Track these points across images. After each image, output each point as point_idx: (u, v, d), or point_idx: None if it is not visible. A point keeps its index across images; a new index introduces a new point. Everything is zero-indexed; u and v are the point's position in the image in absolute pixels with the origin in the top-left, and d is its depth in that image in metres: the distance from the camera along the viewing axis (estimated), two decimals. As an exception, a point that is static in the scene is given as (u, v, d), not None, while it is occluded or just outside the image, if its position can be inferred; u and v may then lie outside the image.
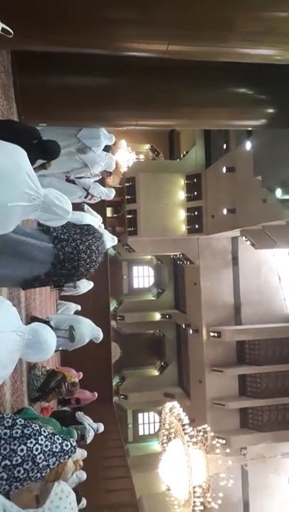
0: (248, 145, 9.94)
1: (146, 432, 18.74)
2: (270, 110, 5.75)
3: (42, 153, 3.07)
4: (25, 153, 1.98)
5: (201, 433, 6.52)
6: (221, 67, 5.07)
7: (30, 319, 5.41)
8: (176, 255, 14.98)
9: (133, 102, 5.44)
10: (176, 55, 4.05)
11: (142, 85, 5.33)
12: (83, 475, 5.94)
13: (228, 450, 6.85)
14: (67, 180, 6.69)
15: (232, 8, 3.59)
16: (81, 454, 5.47)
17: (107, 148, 6.84)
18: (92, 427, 6.52)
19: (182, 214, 13.96)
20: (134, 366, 18.28)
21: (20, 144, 2.39)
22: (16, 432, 2.64)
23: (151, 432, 18.47)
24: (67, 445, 2.66)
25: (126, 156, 14.29)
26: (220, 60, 4.63)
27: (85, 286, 8.81)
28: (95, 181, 7.26)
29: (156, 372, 18.53)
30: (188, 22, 3.63)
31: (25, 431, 2.69)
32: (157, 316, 17.27)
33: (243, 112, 5.81)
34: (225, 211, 11.69)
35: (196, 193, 13.73)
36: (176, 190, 14.12)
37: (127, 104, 5.43)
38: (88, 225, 3.48)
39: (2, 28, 2.61)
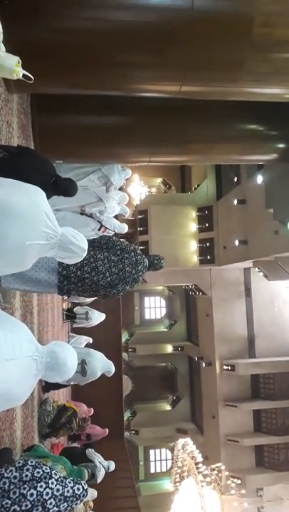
0: (260, 178, 10.06)
1: (158, 470, 18.05)
2: (281, 145, 5.86)
3: (58, 190, 3.15)
4: (44, 194, 2.05)
5: (215, 472, 6.27)
6: (231, 105, 5.23)
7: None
8: (188, 286, 14.91)
9: (146, 139, 5.61)
10: (188, 95, 4.20)
11: (155, 123, 5.50)
12: (93, 517, 5.71)
13: (243, 491, 6.55)
14: (82, 213, 6.81)
15: (242, 50, 3.74)
16: (91, 494, 5.28)
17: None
18: (103, 465, 6.32)
19: (194, 245, 14.00)
20: (146, 400, 17.86)
21: (39, 180, 2.47)
22: (26, 475, 2.57)
23: (164, 469, 17.79)
24: (78, 489, 2.57)
25: (138, 190, 14.55)
26: (231, 99, 4.78)
27: (97, 318, 8.79)
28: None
29: (168, 407, 18.05)
30: (201, 63, 3.78)
31: (36, 473, 2.62)
32: (169, 349, 17.00)
33: (254, 148, 5.93)
34: (237, 242, 11.70)
35: (207, 225, 13.81)
36: (187, 222, 14.24)
37: (140, 141, 5.60)
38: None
39: (23, 74, 2.75)
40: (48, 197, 2.16)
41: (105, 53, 3.45)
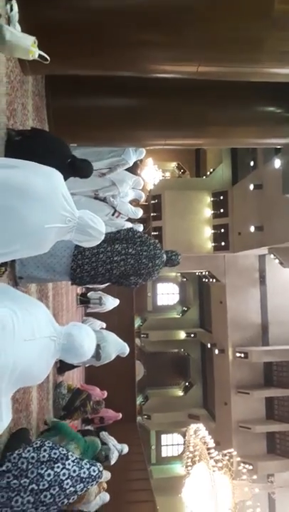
0: (277, 162, 9.85)
1: (170, 454, 18.30)
2: (300, 128, 5.69)
3: (74, 171, 3.11)
4: (61, 176, 2.03)
5: (227, 457, 6.30)
6: (249, 86, 5.08)
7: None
8: (201, 273, 14.84)
9: (161, 122, 5.49)
10: (206, 76, 4.08)
11: (171, 105, 5.38)
12: (106, 497, 5.81)
13: (254, 476, 6.58)
14: (96, 198, 6.78)
15: (262, 29, 3.60)
16: (105, 475, 5.36)
17: (135, 167, 6.92)
18: (117, 448, 6.40)
19: (208, 231, 13.88)
20: (158, 386, 18.00)
21: (55, 162, 2.45)
22: (44, 456, 2.61)
23: (175, 453, 18.03)
24: (94, 470, 2.61)
25: (152, 174, 14.41)
26: (250, 79, 4.63)
27: (111, 303, 8.82)
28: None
29: (180, 393, 18.19)
30: (219, 43, 3.65)
31: (52, 454, 2.66)
32: (182, 335, 17.04)
33: (272, 131, 5.77)
34: (252, 228, 11.55)
35: (222, 210, 13.65)
36: (202, 208, 14.09)
37: (155, 124, 5.49)
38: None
39: (39, 55, 2.69)
40: (64, 179, 2.13)
41: (122, 33, 3.36)
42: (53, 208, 1.96)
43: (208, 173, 15.78)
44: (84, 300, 8.56)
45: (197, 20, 3.41)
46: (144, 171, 14.06)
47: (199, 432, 6.81)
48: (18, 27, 2.99)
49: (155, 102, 5.38)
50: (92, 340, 2.00)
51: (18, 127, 3.30)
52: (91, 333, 2.02)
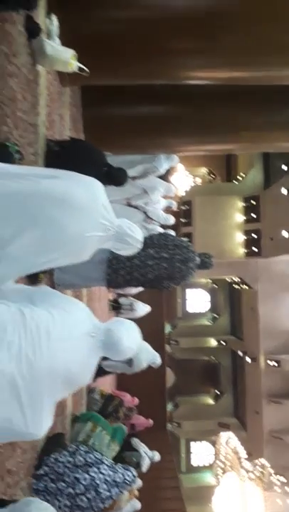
0: (311, 167, 9.64)
1: (200, 463, 18.05)
2: None
3: (110, 179, 3.17)
4: (101, 186, 2.06)
5: (259, 468, 6.16)
6: (283, 90, 5.01)
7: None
8: (232, 279, 14.65)
9: (194, 128, 5.51)
10: (239, 81, 4.07)
11: (203, 111, 5.38)
12: (137, 504, 5.80)
13: (287, 489, 6.40)
14: (128, 205, 6.84)
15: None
16: (136, 482, 5.36)
17: (166, 173, 6.94)
18: (148, 455, 6.38)
19: (240, 237, 13.71)
20: (188, 393, 17.83)
21: (92, 170, 2.51)
22: (79, 460, 2.66)
23: (205, 462, 17.77)
24: (128, 475, 2.63)
25: (183, 180, 14.40)
26: (284, 83, 4.58)
27: (142, 309, 8.84)
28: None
29: (210, 401, 17.94)
30: (254, 48, 3.64)
31: (88, 459, 2.70)
32: (213, 342, 16.83)
33: (306, 135, 5.67)
34: (285, 233, 11.33)
35: (254, 215, 13.46)
36: (233, 213, 13.94)
37: (187, 130, 5.51)
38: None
39: (78, 67, 2.77)
40: None
41: (157, 41, 3.41)
42: (93, 217, 1.99)
43: (240, 177, 15.61)
44: (115, 306, 8.63)
45: (231, 26, 3.41)
46: (175, 177, 14.08)
47: (230, 441, 6.70)
48: (57, 41, 3.09)
49: (187, 108, 5.40)
50: (132, 335, 1.89)
51: (56, 137, 3.39)
52: (132, 329, 1.91)
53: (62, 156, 3.01)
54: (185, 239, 14.07)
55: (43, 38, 2.87)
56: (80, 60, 2.88)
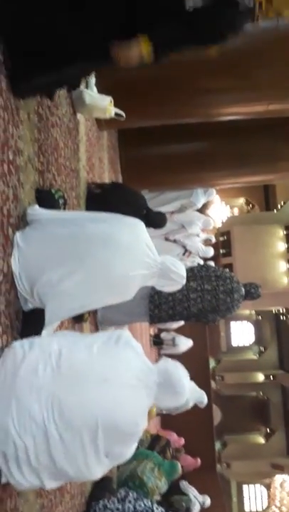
0: None
1: (253, 508, 16.89)
2: None
3: (149, 222, 3.24)
4: (144, 226, 2.13)
5: None
6: None
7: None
8: (278, 310, 14.13)
9: (230, 161, 5.55)
10: (276, 114, 4.08)
11: (238, 144, 5.42)
12: None
13: None
14: (166, 239, 6.88)
15: None
16: (187, 530, 5.07)
17: (203, 206, 6.96)
18: (198, 500, 6.05)
19: (283, 266, 13.32)
20: (237, 431, 16.99)
21: (131, 213, 2.57)
22: (128, 508, 2.56)
23: (259, 508, 16.60)
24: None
25: (220, 211, 14.36)
26: None
27: (184, 343, 8.68)
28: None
29: (261, 440, 16.97)
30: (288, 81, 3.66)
31: (137, 507, 2.59)
32: (260, 377, 16.11)
33: None
34: None
35: (297, 244, 13.11)
36: (274, 242, 13.63)
37: (224, 164, 5.55)
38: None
39: (115, 112, 2.90)
40: None
41: (192, 82, 3.51)
42: (137, 256, 2.06)
43: (279, 206, 15.36)
44: (157, 341, 8.52)
45: (265, 63, 3.47)
46: (212, 209, 14.07)
47: (286, 485, 6.25)
48: (94, 89, 3.26)
49: (222, 142, 5.47)
50: (188, 376, 1.78)
51: (96, 180, 3.52)
52: (185, 370, 1.80)
53: (102, 198, 3.12)
54: (226, 270, 13.88)
55: (81, 89, 3.04)
56: (115, 105, 3.01)
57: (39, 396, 1.45)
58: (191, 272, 3.55)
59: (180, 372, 1.73)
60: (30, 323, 2.01)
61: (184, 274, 2.25)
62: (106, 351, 1.62)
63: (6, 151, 1.91)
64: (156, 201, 6.02)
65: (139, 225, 2.14)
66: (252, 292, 3.59)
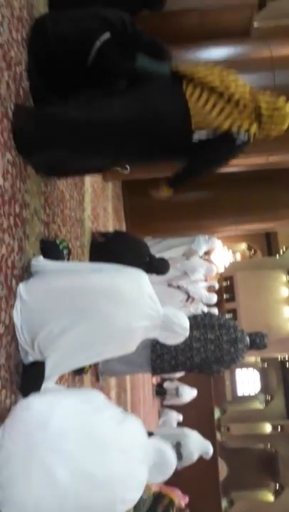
0: None
1: None
2: None
3: (152, 269, 3.26)
4: (146, 277, 2.13)
5: None
6: None
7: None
8: (284, 357, 13.81)
9: (232, 209, 5.66)
10: (276, 165, 4.20)
11: (240, 192, 5.54)
12: None
13: None
14: (169, 285, 6.87)
15: None
16: None
17: (206, 252, 7.01)
18: None
19: (287, 311, 13.17)
20: (244, 487, 16.05)
21: (135, 260, 2.59)
22: None
23: None
24: None
25: (222, 256, 14.45)
26: None
27: (188, 393, 8.42)
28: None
29: (270, 496, 15.99)
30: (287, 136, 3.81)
31: None
32: (267, 428, 15.47)
33: None
34: None
35: (301, 289, 13.04)
36: (277, 287, 13.58)
37: (226, 212, 5.66)
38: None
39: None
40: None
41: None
42: (139, 307, 2.04)
43: (281, 251, 15.45)
44: (160, 391, 8.27)
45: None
46: (215, 254, 14.16)
47: None
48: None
49: (224, 191, 5.59)
50: (175, 458, 1.86)
51: (100, 229, 3.58)
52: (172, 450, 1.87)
53: (106, 247, 3.16)
54: (229, 315, 13.73)
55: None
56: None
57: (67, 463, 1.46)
58: (194, 320, 3.51)
59: (171, 454, 1.79)
60: (30, 377, 1.97)
61: (187, 326, 2.23)
62: (120, 425, 1.68)
63: (13, 205, 1.95)
64: (159, 247, 6.08)
65: (141, 276, 2.14)
66: (257, 342, 3.51)
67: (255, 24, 4.35)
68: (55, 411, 1.57)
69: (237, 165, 4.17)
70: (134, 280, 2.09)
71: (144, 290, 2.10)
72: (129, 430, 1.68)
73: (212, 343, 3.37)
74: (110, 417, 1.67)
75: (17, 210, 1.99)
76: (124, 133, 2.04)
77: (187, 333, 2.24)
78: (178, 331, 2.20)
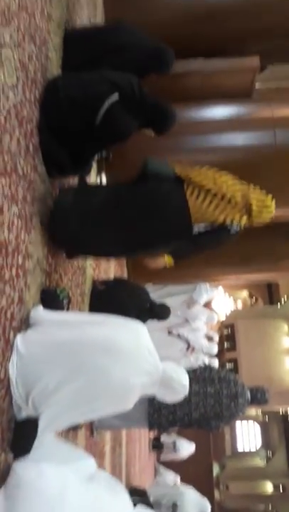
0: None
1: None
2: None
3: (153, 315, 3.24)
4: (145, 330, 2.10)
5: None
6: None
7: (129, 490, 4.94)
8: (286, 411, 13.33)
9: (233, 259, 5.68)
10: (275, 219, 4.27)
11: (241, 243, 5.56)
12: None
13: None
14: (169, 333, 6.77)
15: None
16: None
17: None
18: None
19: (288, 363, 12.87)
20: None
21: (135, 307, 2.57)
22: None
23: None
24: None
25: (224, 304, 14.36)
26: None
27: (186, 448, 8.06)
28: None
29: None
30: (283, 189, 3.91)
31: None
32: (268, 486, 14.66)
33: None
34: None
35: (302, 339, 12.82)
36: (279, 336, 13.36)
37: (227, 261, 5.69)
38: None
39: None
40: (144, 321, 2.20)
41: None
42: (137, 362, 1.99)
43: (283, 300, 15.36)
44: (157, 445, 7.92)
45: (264, 174, 3.73)
46: (216, 302, 14.07)
47: None
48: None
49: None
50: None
51: (101, 276, 3.58)
52: None
53: (107, 295, 3.15)
54: (230, 364, 13.41)
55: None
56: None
57: None
58: (193, 373, 3.43)
59: None
60: (22, 434, 1.89)
61: (187, 383, 2.16)
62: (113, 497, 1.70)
63: (16, 256, 1.96)
64: (160, 294, 6.05)
65: (140, 329, 2.10)
66: (258, 398, 3.42)
67: (257, 85, 4.60)
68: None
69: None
70: (132, 333, 2.05)
71: (143, 344, 2.05)
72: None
73: (212, 397, 3.27)
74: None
75: (20, 261, 2.00)
76: (132, 230, 2.40)
77: (186, 391, 2.17)
78: (177, 388, 2.14)
